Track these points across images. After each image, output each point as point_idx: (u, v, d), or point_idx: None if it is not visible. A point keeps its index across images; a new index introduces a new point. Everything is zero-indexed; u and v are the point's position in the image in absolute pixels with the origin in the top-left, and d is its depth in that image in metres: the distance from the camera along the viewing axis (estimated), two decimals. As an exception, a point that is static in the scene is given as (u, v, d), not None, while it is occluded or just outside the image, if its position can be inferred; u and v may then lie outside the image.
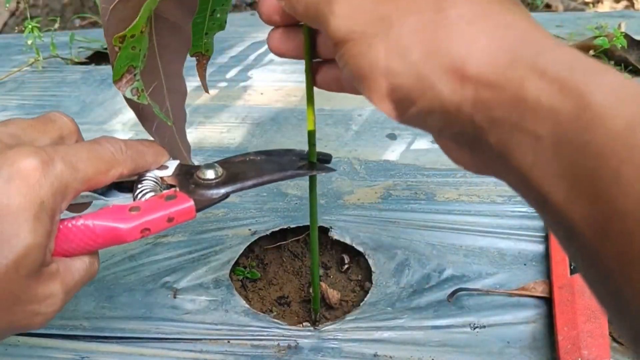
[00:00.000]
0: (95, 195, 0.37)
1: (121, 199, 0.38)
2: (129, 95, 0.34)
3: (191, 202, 0.36)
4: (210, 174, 0.37)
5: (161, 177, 0.38)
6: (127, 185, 0.38)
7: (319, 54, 0.38)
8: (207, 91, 0.47)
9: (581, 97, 0.22)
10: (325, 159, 0.41)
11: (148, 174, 0.38)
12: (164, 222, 0.35)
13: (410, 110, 0.27)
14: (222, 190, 0.37)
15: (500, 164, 0.26)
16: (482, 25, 0.25)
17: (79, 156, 0.33)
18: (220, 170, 0.38)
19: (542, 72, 0.23)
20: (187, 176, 0.38)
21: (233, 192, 0.37)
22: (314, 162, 0.40)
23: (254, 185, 0.38)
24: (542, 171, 0.23)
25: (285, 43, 0.36)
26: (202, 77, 0.45)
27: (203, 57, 0.44)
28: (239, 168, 0.39)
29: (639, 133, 0.21)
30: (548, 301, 0.50)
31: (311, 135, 0.39)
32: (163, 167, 0.39)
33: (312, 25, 0.32)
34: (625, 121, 0.21)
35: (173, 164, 0.39)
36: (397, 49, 0.26)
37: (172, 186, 0.38)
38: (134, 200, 0.36)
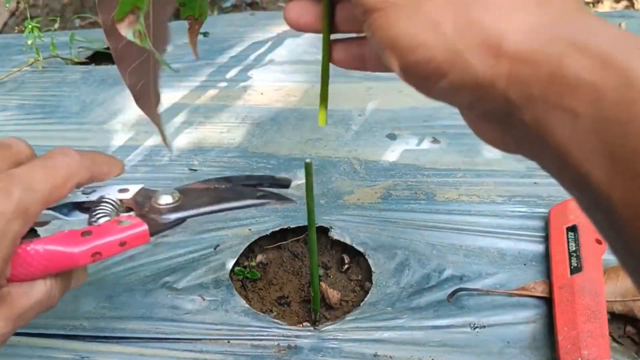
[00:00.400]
0: (57, 214, 0.38)
1: (82, 219, 0.39)
2: (130, 38, 0.33)
3: (145, 227, 0.36)
4: (166, 199, 0.38)
5: (120, 200, 0.39)
6: (88, 206, 0.39)
7: (338, 28, 0.36)
8: (196, 55, 0.46)
9: (624, 74, 0.22)
10: (284, 184, 0.42)
11: (107, 196, 0.39)
12: (116, 247, 0.35)
13: (440, 83, 0.26)
14: (177, 215, 0.38)
15: (534, 142, 0.25)
16: None
17: (35, 176, 0.33)
18: (177, 195, 0.39)
19: (583, 48, 0.23)
20: (145, 200, 0.39)
21: (188, 217, 0.38)
22: (273, 192, 0.40)
23: (209, 212, 0.38)
24: (581, 150, 0.22)
25: (303, 15, 0.35)
26: (193, 43, 0.44)
27: (196, 21, 0.44)
28: (198, 194, 0.40)
29: None
30: (548, 301, 0.50)
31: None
32: (123, 190, 0.40)
33: None
34: None
35: (134, 188, 0.40)
36: (429, 20, 0.26)
37: (130, 209, 0.39)
38: (89, 224, 0.37)
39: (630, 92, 0.21)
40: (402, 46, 0.27)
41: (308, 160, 0.41)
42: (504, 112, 0.25)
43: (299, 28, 0.36)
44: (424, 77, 0.27)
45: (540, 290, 0.51)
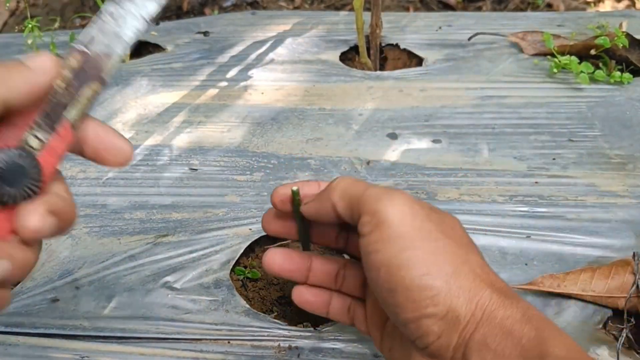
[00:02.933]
0: None
1: None
2: None
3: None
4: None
5: None
6: None
7: (314, 240, 0.45)
8: None
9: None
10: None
11: None
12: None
13: (428, 309, 0.35)
14: None
15: None
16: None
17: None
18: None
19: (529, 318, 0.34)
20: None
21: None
22: None
23: None
24: None
25: (281, 226, 0.44)
26: None
27: None
28: None
29: None
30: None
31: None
32: None
33: (348, 217, 0.38)
34: None
35: None
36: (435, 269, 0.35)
37: None
38: None
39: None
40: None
41: (295, 188, 0.41)
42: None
43: (274, 235, 0.45)
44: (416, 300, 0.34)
45: (547, 285, 0.50)
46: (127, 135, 0.73)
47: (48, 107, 0.32)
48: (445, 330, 0.34)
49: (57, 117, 0.32)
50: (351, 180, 0.39)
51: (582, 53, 0.81)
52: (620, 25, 0.90)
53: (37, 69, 0.32)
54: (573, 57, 0.79)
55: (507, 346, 0.33)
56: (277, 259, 0.43)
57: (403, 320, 0.35)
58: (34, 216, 0.30)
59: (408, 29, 0.93)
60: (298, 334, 0.49)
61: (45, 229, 0.31)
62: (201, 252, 0.56)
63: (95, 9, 1.14)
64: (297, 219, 0.43)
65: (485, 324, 0.34)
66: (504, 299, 0.34)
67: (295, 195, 0.41)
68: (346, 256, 0.46)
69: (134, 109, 0.78)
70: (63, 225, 0.32)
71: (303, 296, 0.44)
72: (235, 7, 1.16)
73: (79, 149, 0.34)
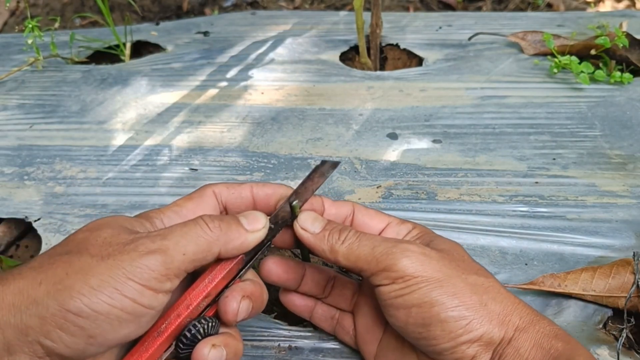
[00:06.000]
0: None
1: None
2: None
3: None
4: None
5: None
6: None
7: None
8: None
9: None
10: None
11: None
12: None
13: (463, 336, 0.37)
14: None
15: None
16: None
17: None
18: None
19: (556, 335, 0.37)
20: None
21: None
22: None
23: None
24: None
25: (285, 273, 0.45)
26: None
27: None
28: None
29: None
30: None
31: None
32: None
33: (361, 271, 0.40)
34: None
35: None
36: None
37: None
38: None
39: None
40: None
41: (295, 203, 0.42)
42: None
43: (275, 283, 0.46)
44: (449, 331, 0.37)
45: (548, 284, 0.50)
46: (127, 135, 0.73)
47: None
48: (479, 351, 0.37)
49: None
50: (355, 241, 0.40)
51: (582, 53, 0.81)
52: (621, 25, 0.90)
53: (252, 232, 0.39)
54: (573, 57, 0.79)
55: (537, 355, 0.36)
56: (273, 270, 0.44)
57: (439, 350, 0.37)
58: (232, 302, 0.38)
59: (408, 29, 0.93)
60: (298, 334, 0.49)
61: (243, 312, 0.38)
62: (201, 252, 0.56)
63: (95, 9, 1.14)
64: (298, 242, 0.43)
65: (517, 339, 0.37)
66: (532, 317, 0.38)
67: (294, 210, 0.41)
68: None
69: (134, 109, 0.78)
70: (257, 305, 0.40)
71: (290, 298, 0.47)
72: (235, 7, 1.16)
73: None
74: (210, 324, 0.38)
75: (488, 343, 0.37)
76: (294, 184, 0.63)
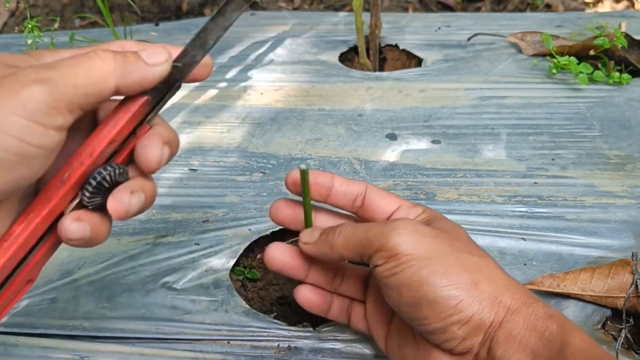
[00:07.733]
0: None
1: None
2: None
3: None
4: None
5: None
6: None
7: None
8: None
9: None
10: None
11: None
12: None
13: (453, 317, 0.36)
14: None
15: None
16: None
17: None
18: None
19: (549, 315, 0.36)
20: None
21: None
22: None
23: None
24: None
25: (289, 214, 0.44)
26: None
27: None
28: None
29: None
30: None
31: None
32: None
33: (355, 256, 0.39)
34: None
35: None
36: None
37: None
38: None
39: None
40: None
41: (303, 167, 0.41)
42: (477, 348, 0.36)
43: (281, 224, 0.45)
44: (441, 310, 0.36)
45: (547, 284, 0.50)
46: (127, 135, 0.73)
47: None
48: (470, 332, 0.36)
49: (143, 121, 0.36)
50: (350, 230, 0.39)
51: (581, 54, 0.81)
52: (619, 25, 0.90)
53: (153, 65, 0.35)
54: (572, 58, 0.79)
55: (531, 337, 0.35)
56: (278, 255, 0.43)
57: (430, 330, 0.37)
58: (154, 150, 0.35)
59: (407, 30, 0.93)
60: (297, 334, 0.49)
61: (165, 159, 0.35)
62: (201, 253, 0.56)
63: (95, 9, 1.14)
64: (305, 200, 0.43)
65: (509, 321, 0.36)
66: (525, 298, 0.37)
67: (304, 175, 0.41)
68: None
69: (133, 109, 0.78)
70: (174, 152, 0.37)
71: (306, 295, 0.45)
72: (235, 8, 1.16)
73: None
74: (117, 171, 0.35)
75: (478, 325, 0.36)
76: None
